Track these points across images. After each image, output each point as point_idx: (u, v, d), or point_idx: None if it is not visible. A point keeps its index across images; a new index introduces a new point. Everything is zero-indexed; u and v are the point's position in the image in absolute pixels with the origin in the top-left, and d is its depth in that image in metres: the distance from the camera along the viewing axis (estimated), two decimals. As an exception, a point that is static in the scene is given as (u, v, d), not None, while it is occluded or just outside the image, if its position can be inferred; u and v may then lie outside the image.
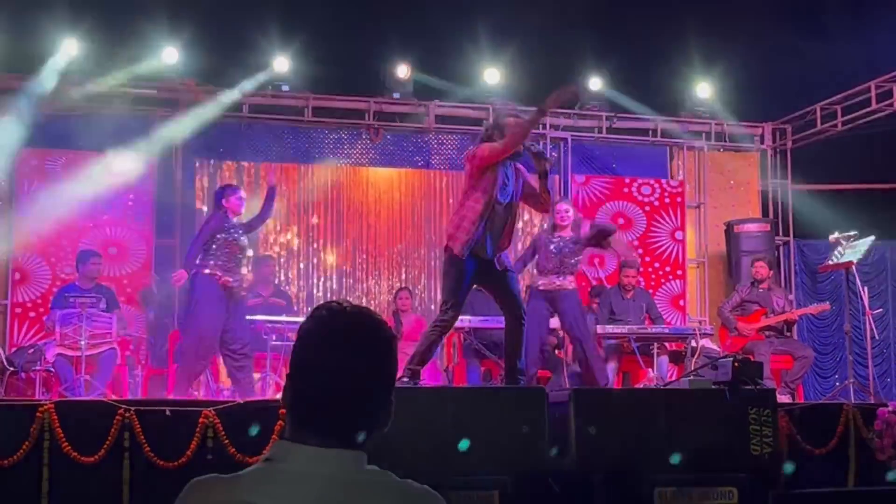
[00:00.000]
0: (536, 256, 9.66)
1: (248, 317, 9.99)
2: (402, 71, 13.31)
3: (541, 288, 9.48)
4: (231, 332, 9.00)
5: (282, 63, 12.89)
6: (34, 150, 12.21)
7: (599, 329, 10.21)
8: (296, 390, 2.01)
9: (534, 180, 7.61)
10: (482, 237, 7.25)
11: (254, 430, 6.56)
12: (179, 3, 12.00)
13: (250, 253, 9.84)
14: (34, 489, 6.46)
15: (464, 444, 6.18)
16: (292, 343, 2.09)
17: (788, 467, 7.29)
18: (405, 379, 7.39)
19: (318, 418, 1.98)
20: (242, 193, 9.48)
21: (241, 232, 9.28)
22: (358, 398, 1.98)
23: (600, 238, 9.45)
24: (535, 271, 9.87)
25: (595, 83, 13.79)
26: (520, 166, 7.51)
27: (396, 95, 13.60)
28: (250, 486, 1.94)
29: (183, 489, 2.01)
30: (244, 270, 9.51)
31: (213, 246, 9.07)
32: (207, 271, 9.01)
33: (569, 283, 9.55)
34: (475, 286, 7.73)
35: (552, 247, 9.47)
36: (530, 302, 9.36)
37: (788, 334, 11.17)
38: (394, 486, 1.96)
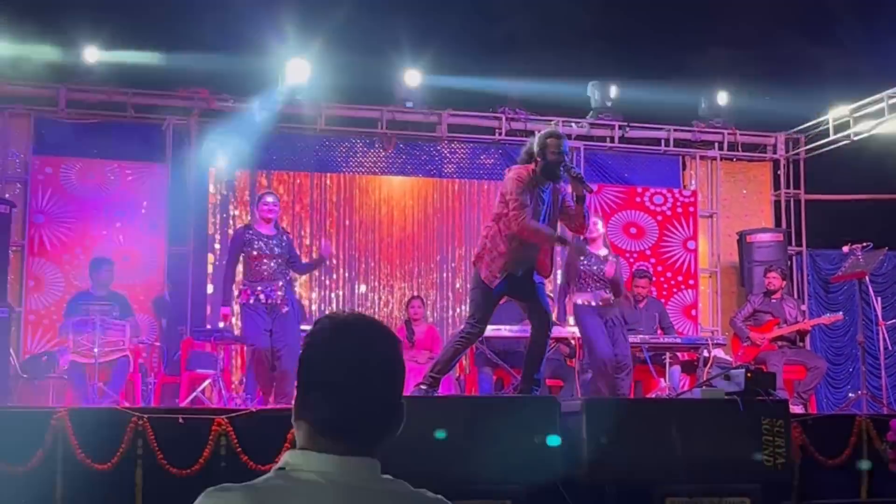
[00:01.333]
0: (572, 271, 9.54)
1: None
2: (414, 79, 13.33)
3: (592, 305, 9.42)
4: (276, 344, 8.85)
5: (297, 71, 12.96)
6: (48, 157, 12.27)
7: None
8: (306, 400, 2.02)
9: (571, 199, 7.59)
10: (514, 271, 7.39)
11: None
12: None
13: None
14: (48, 496, 6.48)
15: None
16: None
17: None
18: (424, 386, 7.43)
19: (329, 427, 1.99)
20: (269, 199, 9.38)
21: (273, 241, 9.10)
22: (367, 405, 1.99)
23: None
24: (575, 289, 9.70)
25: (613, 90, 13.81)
26: (559, 185, 7.54)
27: (409, 104, 13.62)
28: (265, 496, 1.95)
29: (197, 498, 2.02)
30: (280, 278, 9.10)
31: (244, 262, 9.15)
32: (242, 289, 9.13)
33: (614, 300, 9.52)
34: (504, 298, 7.82)
35: (583, 265, 9.40)
36: (585, 317, 9.37)
37: (801, 344, 11.16)
38: (408, 496, 1.98)
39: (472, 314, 7.58)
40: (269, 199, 9.40)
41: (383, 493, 1.98)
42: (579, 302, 9.43)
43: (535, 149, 7.38)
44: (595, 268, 9.39)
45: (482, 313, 7.53)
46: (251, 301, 8.94)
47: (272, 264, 9.03)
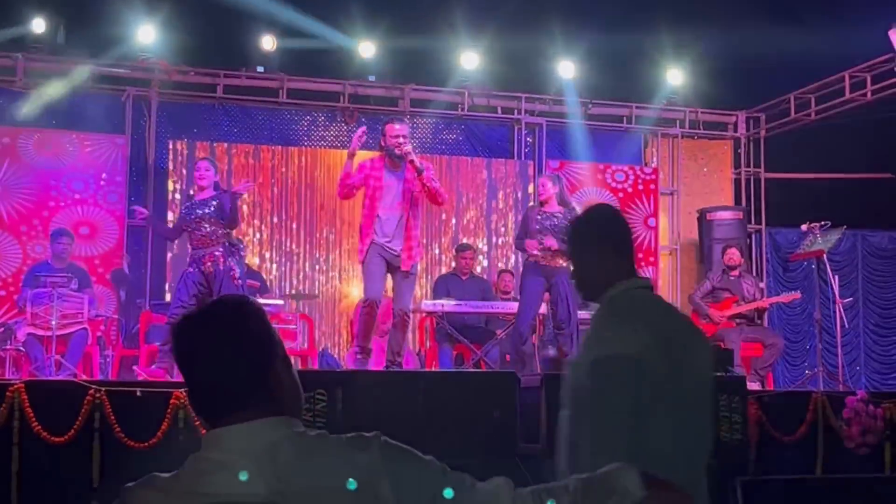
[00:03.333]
0: (528, 229, 9.53)
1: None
2: (369, 50, 13.30)
3: (540, 263, 9.36)
4: None
5: (267, 42, 12.96)
6: (5, 127, 12.14)
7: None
8: (198, 391, 2.10)
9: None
10: (379, 242, 8.11)
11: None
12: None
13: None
14: (4, 468, 6.43)
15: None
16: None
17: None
18: (359, 356, 8.14)
19: (219, 403, 2.06)
20: (202, 164, 9.13)
21: (205, 203, 8.80)
22: (236, 373, 2.06)
23: None
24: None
25: (568, 69, 13.82)
26: (409, 168, 8.19)
27: (372, 78, 13.58)
28: (186, 484, 1.97)
29: (122, 499, 2.04)
30: (217, 243, 8.73)
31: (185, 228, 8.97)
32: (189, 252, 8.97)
33: (563, 259, 9.40)
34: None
35: (537, 224, 9.36)
36: (527, 277, 9.37)
37: (759, 322, 11.23)
38: (333, 436, 2.05)
39: (364, 289, 8.39)
40: (200, 163, 9.17)
41: (313, 438, 2.03)
42: (527, 257, 9.47)
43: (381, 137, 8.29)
44: (548, 223, 9.33)
45: (368, 287, 8.24)
46: (189, 269, 8.76)
47: (206, 227, 8.72)
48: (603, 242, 3.15)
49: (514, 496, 2.05)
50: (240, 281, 8.75)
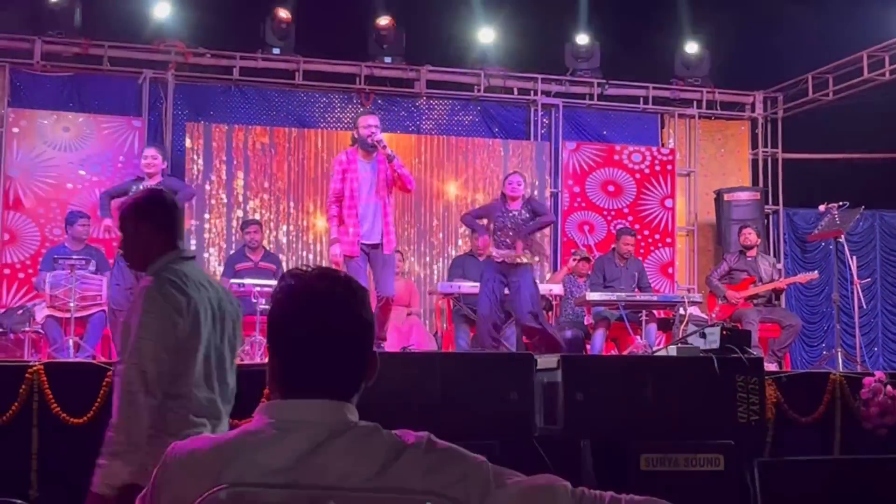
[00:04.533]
0: (491, 224, 9.48)
1: (234, 280, 10.05)
2: (386, 27, 13.32)
3: (496, 259, 9.36)
4: None
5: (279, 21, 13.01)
6: (24, 110, 12.17)
7: (589, 295, 10.23)
8: (279, 357, 2.05)
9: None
10: (361, 233, 8.34)
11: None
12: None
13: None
14: (23, 450, 6.47)
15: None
16: None
17: None
18: None
19: (304, 379, 2.01)
20: (148, 151, 9.20)
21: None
22: (337, 355, 2.02)
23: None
24: (491, 241, 9.65)
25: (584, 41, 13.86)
26: (381, 158, 8.47)
27: (388, 60, 13.56)
28: (244, 446, 1.96)
29: (168, 456, 2.02)
30: None
31: None
32: None
33: (522, 257, 9.37)
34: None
35: (499, 220, 9.31)
36: (486, 272, 9.37)
37: (776, 303, 11.21)
38: (385, 432, 2.00)
39: None
40: (147, 151, 9.21)
41: (363, 429, 1.99)
42: (490, 253, 9.46)
43: (355, 131, 8.65)
44: (509, 222, 9.30)
45: None
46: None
47: None
48: (145, 221, 3.89)
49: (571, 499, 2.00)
50: None
